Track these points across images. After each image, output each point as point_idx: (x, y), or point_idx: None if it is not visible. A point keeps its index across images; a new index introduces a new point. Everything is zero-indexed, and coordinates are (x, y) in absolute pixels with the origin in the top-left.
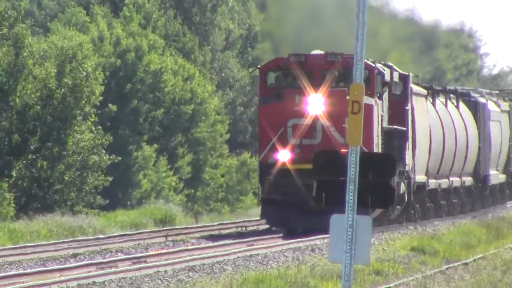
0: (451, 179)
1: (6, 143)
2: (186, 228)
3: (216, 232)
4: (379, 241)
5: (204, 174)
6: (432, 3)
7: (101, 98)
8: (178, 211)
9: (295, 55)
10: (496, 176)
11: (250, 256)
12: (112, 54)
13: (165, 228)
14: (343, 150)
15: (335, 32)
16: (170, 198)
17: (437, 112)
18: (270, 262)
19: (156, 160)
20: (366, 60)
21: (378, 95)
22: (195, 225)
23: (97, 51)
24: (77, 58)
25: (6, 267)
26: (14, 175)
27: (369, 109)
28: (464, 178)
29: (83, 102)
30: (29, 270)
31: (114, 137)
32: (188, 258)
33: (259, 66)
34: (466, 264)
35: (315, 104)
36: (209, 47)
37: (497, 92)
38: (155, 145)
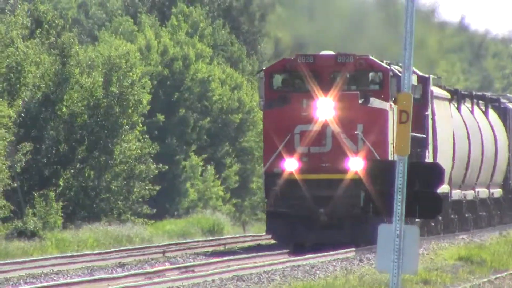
0: (477, 189)
1: (53, 152)
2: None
3: (263, 242)
4: (427, 251)
5: (251, 183)
6: (481, 13)
7: (148, 107)
8: (226, 221)
9: (303, 56)
10: None
11: (298, 266)
12: (159, 63)
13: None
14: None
15: (381, 40)
16: (218, 207)
17: (462, 117)
18: (317, 272)
19: (204, 170)
20: (380, 62)
21: (393, 99)
22: (241, 235)
23: (145, 60)
24: (122, 67)
25: (54, 276)
26: (62, 184)
27: (383, 114)
28: (492, 189)
29: (130, 111)
30: (76, 279)
31: (161, 146)
32: (236, 267)
33: (264, 68)
34: None
35: (325, 108)
36: (257, 56)
37: None
38: (202, 154)
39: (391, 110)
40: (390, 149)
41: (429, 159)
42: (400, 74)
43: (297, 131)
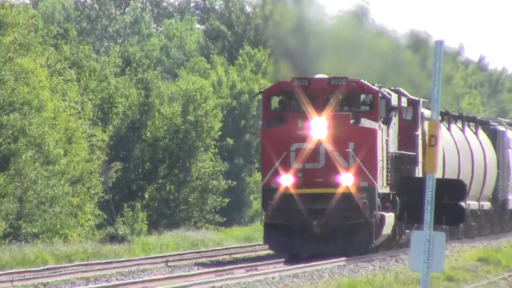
0: (468, 202)
1: (140, 170)
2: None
3: None
4: (452, 253)
5: None
6: (499, 52)
7: (220, 133)
8: None
9: (298, 79)
10: None
11: (344, 265)
12: (228, 96)
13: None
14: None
15: (415, 77)
16: None
17: (452, 137)
18: (360, 270)
19: None
20: (370, 85)
21: (382, 119)
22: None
23: (216, 93)
24: (197, 99)
25: (140, 274)
26: (147, 197)
27: (373, 134)
28: (482, 202)
29: (204, 135)
30: (159, 276)
31: (230, 165)
32: (293, 267)
33: (262, 90)
34: None
35: (319, 128)
36: None
37: None
38: None
39: (380, 130)
40: (379, 165)
41: (418, 175)
42: (388, 96)
43: (293, 148)
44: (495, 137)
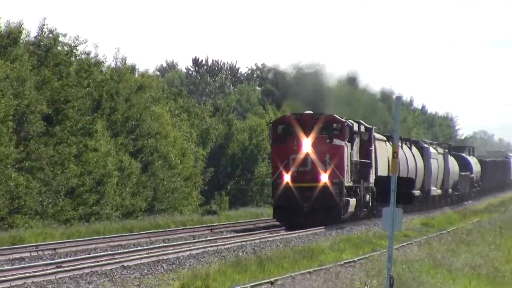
0: None
1: (224, 172)
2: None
3: None
4: (406, 220)
5: None
6: (433, 101)
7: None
8: None
9: (294, 114)
10: (435, 190)
11: (343, 228)
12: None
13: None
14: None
15: (385, 118)
16: None
17: None
18: (354, 231)
19: None
20: (340, 118)
21: (347, 139)
22: None
23: (269, 127)
24: (258, 130)
25: (224, 233)
26: (228, 188)
27: (341, 149)
28: (414, 191)
29: (262, 152)
30: (228, 235)
31: None
32: (314, 229)
33: (271, 121)
34: (449, 232)
35: (307, 145)
36: None
37: (436, 142)
38: None
39: (346, 146)
40: (346, 169)
41: (372, 174)
42: (351, 125)
43: (291, 158)
44: (422, 151)
